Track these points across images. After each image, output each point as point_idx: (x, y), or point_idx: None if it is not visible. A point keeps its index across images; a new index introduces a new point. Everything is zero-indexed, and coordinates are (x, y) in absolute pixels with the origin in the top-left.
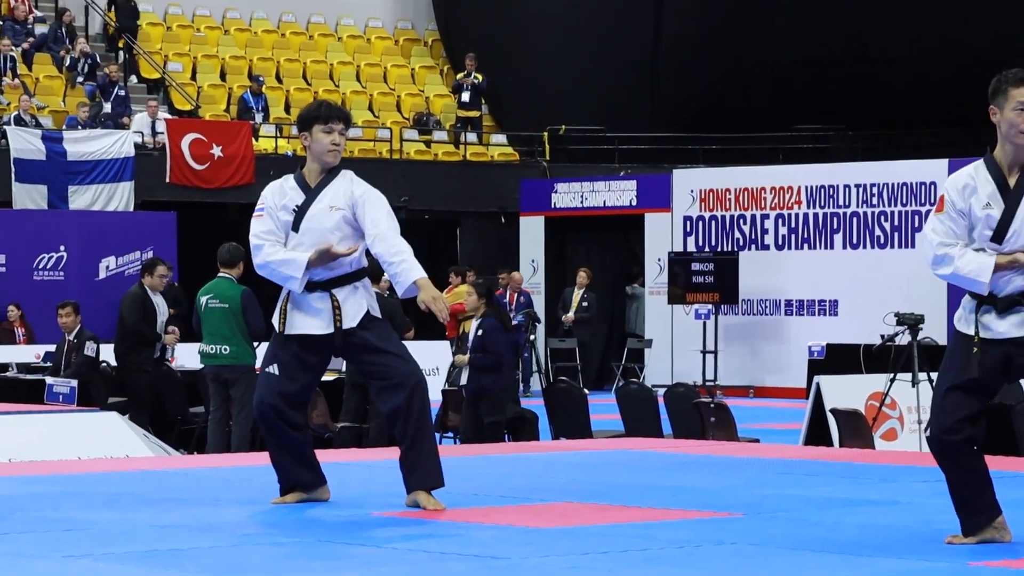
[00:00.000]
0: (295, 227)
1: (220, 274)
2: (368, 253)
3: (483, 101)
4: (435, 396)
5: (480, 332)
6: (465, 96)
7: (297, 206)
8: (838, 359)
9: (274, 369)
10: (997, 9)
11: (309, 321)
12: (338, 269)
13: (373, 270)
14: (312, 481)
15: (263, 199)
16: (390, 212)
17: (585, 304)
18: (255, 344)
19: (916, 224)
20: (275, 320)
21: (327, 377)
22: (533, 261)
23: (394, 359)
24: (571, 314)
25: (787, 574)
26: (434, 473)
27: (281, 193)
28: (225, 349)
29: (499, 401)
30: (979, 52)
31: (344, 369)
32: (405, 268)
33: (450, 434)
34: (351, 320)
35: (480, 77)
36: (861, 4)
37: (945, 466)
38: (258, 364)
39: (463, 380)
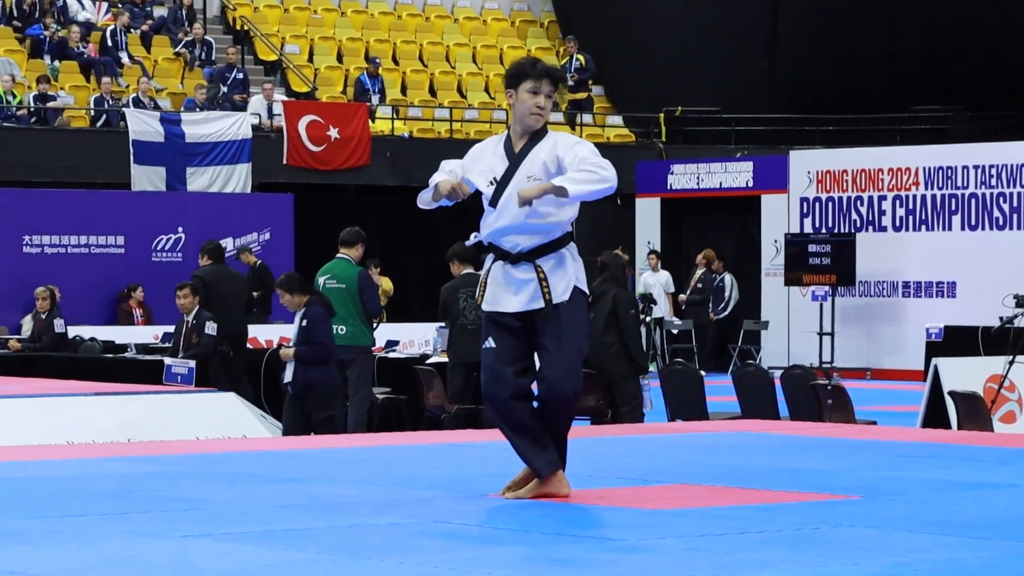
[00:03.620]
0: (493, 202)
1: (339, 255)
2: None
3: (589, 83)
4: None
5: (304, 323)
6: (570, 80)
7: (496, 178)
8: (956, 341)
9: (490, 342)
10: None
11: (510, 298)
12: (541, 237)
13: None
14: (546, 466)
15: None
16: (594, 150)
17: (700, 286)
18: (374, 325)
19: None
20: (477, 292)
21: (442, 359)
22: (649, 243)
23: (551, 356)
24: (683, 295)
25: (905, 556)
26: (539, 465)
27: (482, 157)
28: (342, 329)
29: (328, 395)
30: None
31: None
32: (567, 177)
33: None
34: (562, 294)
35: (583, 59)
36: None
37: None
38: (378, 344)
39: (287, 376)
